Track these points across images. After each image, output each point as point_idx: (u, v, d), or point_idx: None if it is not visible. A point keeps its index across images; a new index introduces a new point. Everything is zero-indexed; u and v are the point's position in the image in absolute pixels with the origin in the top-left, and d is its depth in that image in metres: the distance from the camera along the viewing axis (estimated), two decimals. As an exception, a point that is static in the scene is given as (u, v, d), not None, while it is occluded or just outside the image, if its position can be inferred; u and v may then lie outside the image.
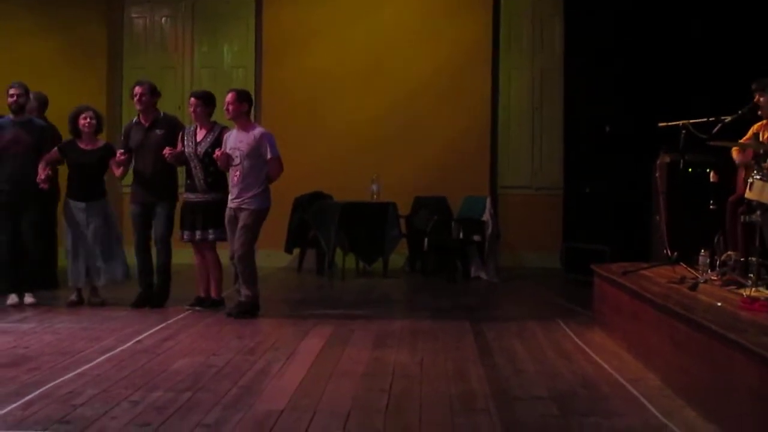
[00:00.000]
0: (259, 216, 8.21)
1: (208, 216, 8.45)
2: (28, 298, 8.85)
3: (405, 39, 13.03)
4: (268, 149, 8.16)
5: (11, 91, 8.91)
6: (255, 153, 8.14)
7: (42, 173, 8.61)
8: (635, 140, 10.62)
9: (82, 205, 8.74)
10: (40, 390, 5.38)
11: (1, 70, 12.43)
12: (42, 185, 8.60)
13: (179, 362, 6.24)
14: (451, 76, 12.91)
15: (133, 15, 13.85)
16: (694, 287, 6.46)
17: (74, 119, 8.83)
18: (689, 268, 7.24)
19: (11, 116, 8.95)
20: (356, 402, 5.21)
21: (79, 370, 5.93)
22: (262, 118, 12.99)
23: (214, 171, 8.36)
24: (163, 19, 13.86)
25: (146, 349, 6.74)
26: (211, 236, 8.50)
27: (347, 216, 11.50)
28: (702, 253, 7.06)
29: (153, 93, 8.86)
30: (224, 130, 8.47)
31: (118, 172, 8.83)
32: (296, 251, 12.39)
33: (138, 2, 13.83)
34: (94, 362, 6.20)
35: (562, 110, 12.48)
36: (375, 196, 11.78)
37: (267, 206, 8.28)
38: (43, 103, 9.88)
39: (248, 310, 8.22)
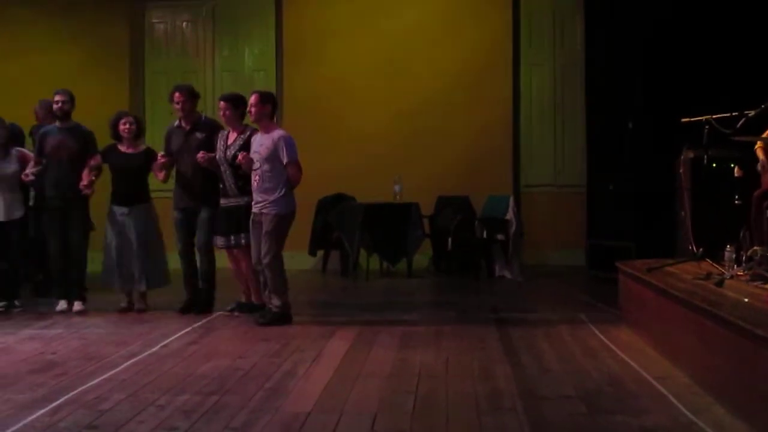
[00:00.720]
0: (282, 221, 8.03)
1: (242, 220, 8.30)
2: (77, 306, 8.86)
3: (426, 38, 13.02)
4: (285, 153, 7.98)
5: (57, 98, 8.97)
6: (273, 156, 7.98)
7: (85, 179, 8.67)
8: (658, 136, 10.56)
9: (124, 209, 8.75)
10: (68, 395, 5.42)
11: (25, 77, 12.60)
12: (84, 191, 8.67)
13: (205, 366, 6.26)
14: (472, 74, 12.89)
15: (154, 20, 13.90)
16: (720, 283, 6.41)
17: (114, 125, 8.88)
18: (715, 264, 7.19)
19: (57, 123, 8.99)
20: (383, 403, 5.21)
21: (105, 375, 5.97)
22: (283, 120, 13.00)
23: (244, 174, 8.23)
24: (184, 23, 13.90)
25: (172, 353, 6.76)
26: (243, 241, 8.35)
27: (370, 217, 11.50)
28: (728, 249, 7.01)
29: (192, 96, 8.86)
30: (254, 132, 8.33)
31: (160, 176, 8.81)
32: (320, 253, 12.40)
33: (159, 7, 13.89)
34: (121, 367, 6.24)
35: (584, 107, 12.44)
36: (398, 197, 11.78)
37: (289, 211, 8.08)
38: (48, 110, 9.95)
39: (279, 320, 8.02)
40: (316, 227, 12.25)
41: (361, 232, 11.46)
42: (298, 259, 12.12)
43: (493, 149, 12.79)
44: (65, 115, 8.97)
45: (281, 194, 8.00)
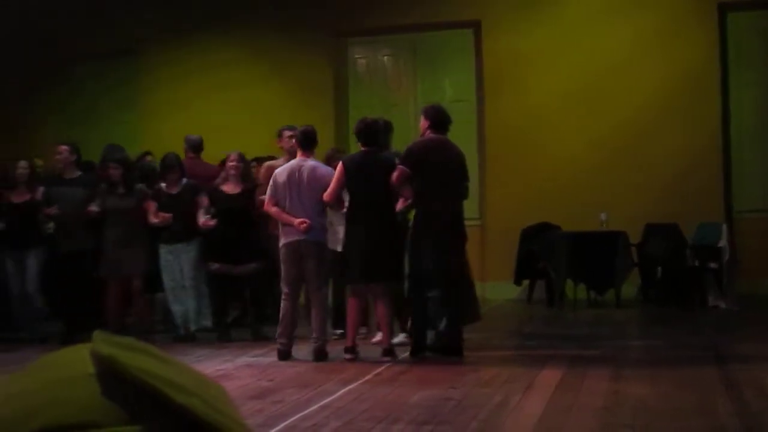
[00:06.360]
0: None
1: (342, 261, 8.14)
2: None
3: (626, 61, 12.72)
4: None
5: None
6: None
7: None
8: None
9: None
10: (286, 422, 5.52)
11: (230, 115, 13.15)
12: None
13: (418, 394, 6.28)
14: (677, 97, 12.52)
15: (357, 55, 14.23)
16: None
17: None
18: None
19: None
20: (600, 436, 5.09)
21: (321, 403, 6.06)
22: (486, 149, 13.04)
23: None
24: (385, 57, 14.17)
25: (384, 381, 6.83)
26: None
27: (576, 246, 11.32)
28: None
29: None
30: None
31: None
32: (525, 282, 12.28)
33: (361, 43, 14.21)
34: (336, 394, 6.33)
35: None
36: (604, 225, 11.56)
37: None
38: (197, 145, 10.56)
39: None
40: (520, 256, 12.15)
41: (567, 261, 11.29)
42: (503, 289, 12.08)
43: (703, 174, 12.35)
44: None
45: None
